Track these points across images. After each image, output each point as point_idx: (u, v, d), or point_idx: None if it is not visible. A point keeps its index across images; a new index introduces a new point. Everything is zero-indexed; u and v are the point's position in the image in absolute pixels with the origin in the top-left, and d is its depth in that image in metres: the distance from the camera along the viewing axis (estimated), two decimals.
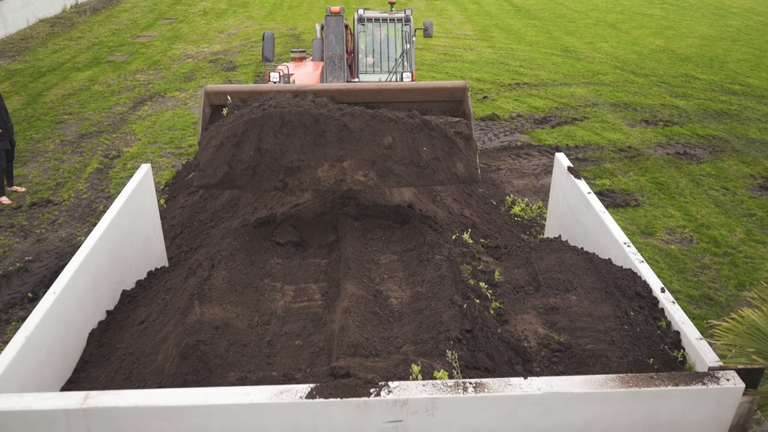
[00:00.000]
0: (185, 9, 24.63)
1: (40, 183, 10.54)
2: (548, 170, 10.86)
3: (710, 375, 3.69)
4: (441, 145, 5.71)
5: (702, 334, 4.35)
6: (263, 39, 10.41)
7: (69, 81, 15.79)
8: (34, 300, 7.44)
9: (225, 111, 6.16)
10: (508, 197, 9.81)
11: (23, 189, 10.28)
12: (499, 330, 4.45)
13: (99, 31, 21.03)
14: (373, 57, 10.89)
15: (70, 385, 4.82)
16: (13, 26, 20.40)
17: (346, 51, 9.91)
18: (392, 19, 10.89)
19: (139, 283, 6.21)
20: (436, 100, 6.38)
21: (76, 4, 24.82)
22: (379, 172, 5.59)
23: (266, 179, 5.58)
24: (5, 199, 9.87)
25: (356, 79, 10.38)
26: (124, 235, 5.95)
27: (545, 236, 7.53)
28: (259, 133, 5.53)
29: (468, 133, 5.96)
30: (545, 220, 8.14)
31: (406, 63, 10.64)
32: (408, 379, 3.76)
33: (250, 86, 6.30)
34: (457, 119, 6.07)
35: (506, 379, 3.62)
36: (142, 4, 25.43)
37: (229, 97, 6.24)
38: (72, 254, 5.27)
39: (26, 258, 8.42)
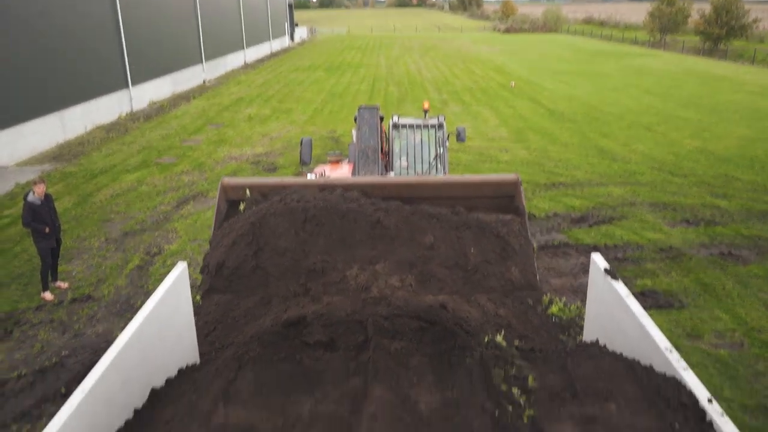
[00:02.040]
0: (232, 115, 26.01)
1: (82, 279, 10.83)
2: (586, 270, 10.64)
3: None
4: (492, 246, 5.00)
5: None
6: (301, 144, 10.83)
7: (118, 182, 16.58)
8: (67, 396, 7.41)
9: (242, 206, 5.56)
10: (545, 296, 9.57)
11: (66, 285, 10.57)
12: None
13: (150, 136, 22.27)
14: (407, 160, 11.17)
15: None
16: (72, 132, 21.80)
17: (381, 150, 9.58)
18: (426, 126, 11.24)
19: (168, 381, 6.14)
20: (483, 195, 5.62)
21: (132, 112, 26.50)
22: (418, 276, 4.87)
23: (284, 284, 4.92)
24: (48, 295, 10.13)
25: (391, 173, 10.54)
26: (157, 333, 5.95)
27: (584, 338, 7.25)
28: (277, 230, 4.92)
29: (523, 233, 5.27)
30: (584, 321, 7.87)
31: (439, 165, 10.86)
32: None
33: (273, 179, 5.64)
34: (510, 217, 5.41)
35: None
36: (192, 111, 27.00)
37: (248, 191, 5.63)
38: (106, 350, 5.29)
39: (63, 353, 8.50)
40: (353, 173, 7.91)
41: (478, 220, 5.12)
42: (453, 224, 5.06)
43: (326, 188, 5.53)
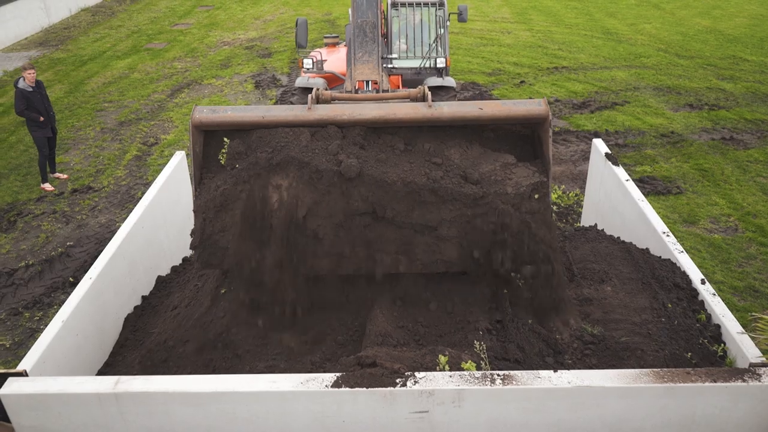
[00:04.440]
0: None
1: (81, 170, 10.80)
2: (586, 156, 10.60)
3: (751, 371, 3.54)
4: (510, 241, 4.24)
5: (745, 327, 4.18)
6: (296, 25, 10.38)
7: (109, 69, 16.10)
8: (75, 284, 7.62)
9: (222, 156, 4.52)
10: None
11: (65, 176, 10.55)
12: (530, 321, 4.36)
13: (138, 19, 21.36)
14: (406, 43, 10.77)
15: (107, 368, 4.93)
16: (57, 16, 20.87)
17: (381, 32, 8.39)
18: (426, 4, 10.73)
19: (174, 268, 6.30)
20: (502, 127, 4.72)
21: None
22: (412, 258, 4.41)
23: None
24: (48, 186, 10.15)
25: (393, 56, 10.16)
26: (159, 222, 6.03)
27: (581, 224, 7.35)
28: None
29: (544, 208, 4.30)
30: (582, 207, 7.95)
31: (440, 48, 10.49)
32: (435, 370, 3.71)
33: (253, 113, 4.50)
34: (532, 187, 4.25)
35: (535, 372, 3.54)
36: None
37: (225, 139, 4.54)
38: (111, 239, 5.38)
39: (68, 243, 8.64)
40: (348, 55, 6.82)
41: (499, 210, 4.19)
42: (468, 208, 4.23)
43: (319, 128, 4.46)
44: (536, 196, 4.25)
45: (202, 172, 4.52)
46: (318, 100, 4.81)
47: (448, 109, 4.42)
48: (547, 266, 4.29)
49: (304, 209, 4.19)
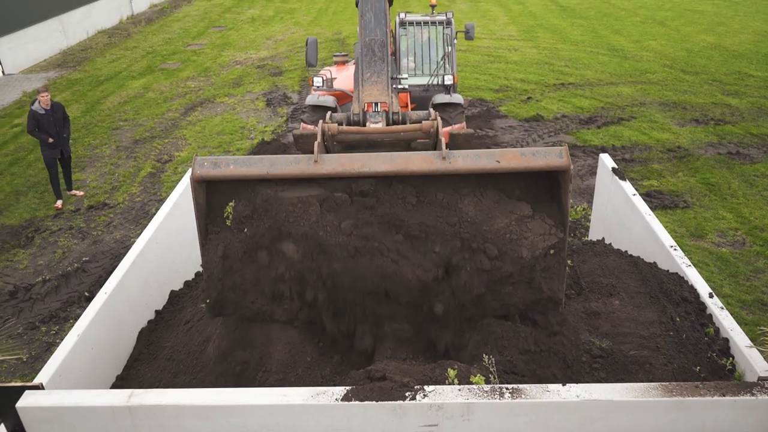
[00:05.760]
0: (234, 17, 25.19)
1: (97, 187, 10.98)
2: (593, 171, 10.64)
3: (760, 385, 3.56)
4: (522, 293, 4.25)
5: (754, 341, 4.20)
6: (306, 44, 10.56)
7: (125, 89, 16.38)
8: (91, 299, 7.72)
9: (228, 216, 4.35)
10: None
11: (81, 193, 10.73)
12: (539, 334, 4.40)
13: (153, 40, 21.73)
14: (414, 60, 10.92)
15: (120, 381, 5.01)
16: (74, 38, 21.28)
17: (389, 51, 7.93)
18: (434, 22, 10.90)
19: (186, 283, 6.39)
20: (519, 176, 4.46)
21: (132, 15, 25.69)
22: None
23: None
24: (59, 203, 10.31)
25: (403, 75, 10.26)
26: (173, 237, 6.13)
27: (589, 239, 7.39)
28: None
29: (558, 263, 4.21)
30: (590, 222, 7.99)
31: (447, 66, 10.63)
32: (444, 383, 3.75)
33: (257, 167, 4.21)
34: (549, 247, 4.17)
35: (544, 385, 3.57)
36: (193, 14, 26.13)
37: (230, 204, 4.39)
38: (125, 255, 5.48)
39: (83, 259, 8.78)
40: (356, 75, 6.60)
41: (511, 275, 4.23)
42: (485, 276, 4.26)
43: (331, 185, 4.33)
44: (552, 252, 4.18)
45: (207, 222, 4.37)
46: (323, 134, 4.70)
47: (462, 161, 4.20)
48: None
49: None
